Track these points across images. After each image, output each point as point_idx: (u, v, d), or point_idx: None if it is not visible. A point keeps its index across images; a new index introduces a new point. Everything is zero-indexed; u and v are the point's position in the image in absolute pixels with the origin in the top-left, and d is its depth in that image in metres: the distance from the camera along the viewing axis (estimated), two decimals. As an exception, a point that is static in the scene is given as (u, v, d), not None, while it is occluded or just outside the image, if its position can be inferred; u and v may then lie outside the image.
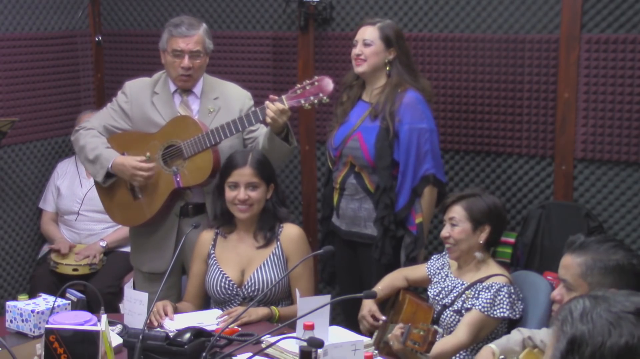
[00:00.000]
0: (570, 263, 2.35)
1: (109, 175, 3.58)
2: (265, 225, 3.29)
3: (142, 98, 3.64)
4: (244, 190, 3.23)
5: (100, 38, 4.97)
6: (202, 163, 3.46)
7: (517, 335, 2.78)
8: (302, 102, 3.36)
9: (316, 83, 3.35)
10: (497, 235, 3.20)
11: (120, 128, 3.66)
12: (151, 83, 3.68)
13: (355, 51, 3.61)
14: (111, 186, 3.64)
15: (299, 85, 3.38)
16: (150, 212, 3.57)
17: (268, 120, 3.36)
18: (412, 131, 3.51)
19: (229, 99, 3.65)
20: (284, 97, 3.37)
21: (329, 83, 3.35)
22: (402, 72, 3.60)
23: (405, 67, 3.62)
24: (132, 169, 3.50)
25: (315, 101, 3.35)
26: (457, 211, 3.15)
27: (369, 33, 3.60)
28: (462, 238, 3.12)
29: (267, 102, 3.36)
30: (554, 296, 2.47)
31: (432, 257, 3.37)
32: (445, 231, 3.16)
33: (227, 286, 3.23)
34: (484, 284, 3.05)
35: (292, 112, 4.48)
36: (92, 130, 3.64)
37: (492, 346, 2.77)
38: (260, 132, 3.59)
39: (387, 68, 3.61)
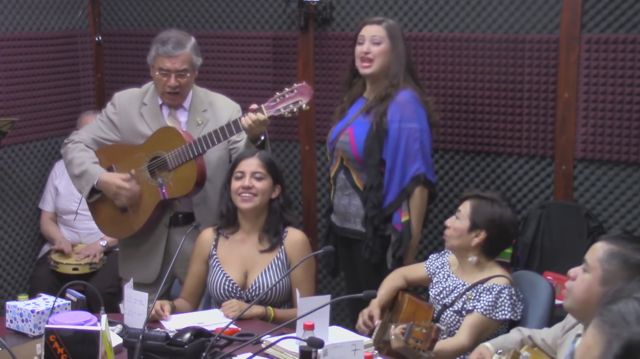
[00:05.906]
0: (598, 247, 2.39)
1: (94, 190, 3.57)
2: (271, 228, 3.26)
3: (130, 109, 3.62)
4: (249, 178, 3.22)
5: (100, 38, 4.97)
6: (186, 174, 3.44)
7: (515, 334, 2.79)
8: (282, 110, 3.34)
9: (295, 90, 3.33)
10: (495, 247, 3.13)
11: (109, 139, 3.64)
12: (140, 94, 3.66)
13: (363, 49, 3.54)
14: (99, 200, 3.63)
15: (278, 94, 3.36)
16: (138, 224, 3.57)
17: (245, 127, 3.34)
18: (402, 130, 3.49)
19: (217, 111, 3.62)
20: (263, 106, 3.35)
21: (308, 90, 3.33)
22: (402, 71, 3.56)
23: (405, 67, 3.58)
24: (116, 188, 3.50)
25: (295, 109, 3.33)
26: (465, 207, 3.15)
27: (377, 31, 3.55)
28: (456, 234, 3.13)
29: (248, 113, 3.35)
30: (569, 272, 2.48)
31: (431, 256, 3.34)
32: (448, 220, 3.18)
33: (230, 288, 3.21)
34: (485, 286, 3.04)
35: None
36: (79, 144, 3.62)
37: (488, 344, 2.77)
38: (244, 142, 3.55)
39: (390, 67, 3.57)
